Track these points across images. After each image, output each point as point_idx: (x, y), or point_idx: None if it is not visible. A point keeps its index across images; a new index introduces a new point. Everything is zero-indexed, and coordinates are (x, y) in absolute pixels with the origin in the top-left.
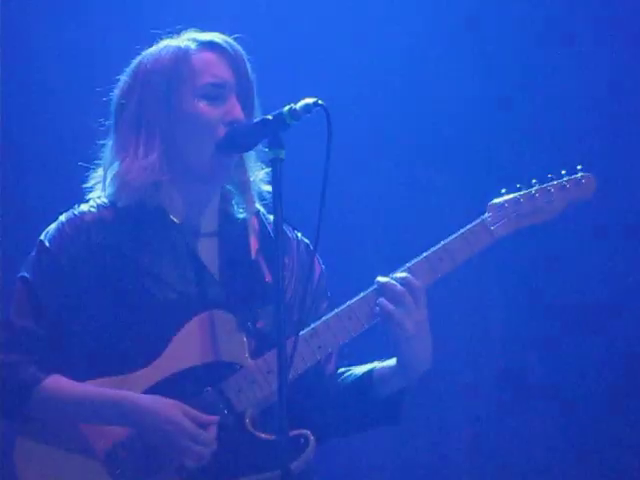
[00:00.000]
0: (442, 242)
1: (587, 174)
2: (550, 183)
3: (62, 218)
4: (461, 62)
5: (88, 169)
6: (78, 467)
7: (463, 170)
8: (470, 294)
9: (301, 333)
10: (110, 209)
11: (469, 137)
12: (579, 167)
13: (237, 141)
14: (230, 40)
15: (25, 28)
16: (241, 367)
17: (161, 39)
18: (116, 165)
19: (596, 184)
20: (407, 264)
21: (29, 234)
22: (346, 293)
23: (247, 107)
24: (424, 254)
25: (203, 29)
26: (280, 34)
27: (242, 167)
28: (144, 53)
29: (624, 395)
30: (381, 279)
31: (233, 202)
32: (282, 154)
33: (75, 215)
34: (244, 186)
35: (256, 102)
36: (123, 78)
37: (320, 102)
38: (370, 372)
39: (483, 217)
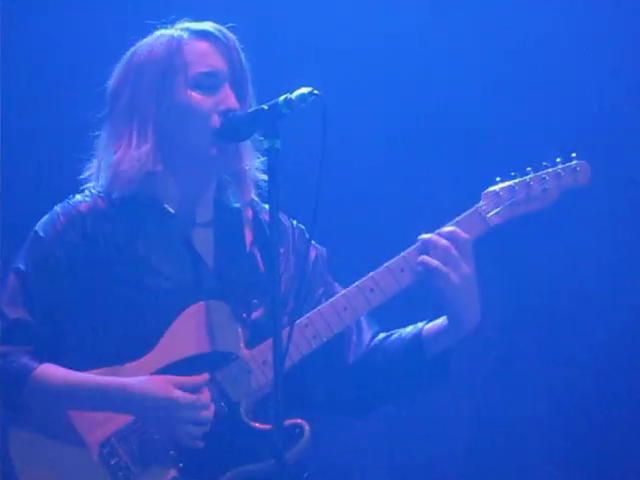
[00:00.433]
0: (436, 230)
1: (582, 162)
2: (545, 171)
3: (56, 208)
4: (454, 50)
5: (84, 160)
6: (73, 458)
7: (458, 159)
8: None
9: (297, 322)
10: (105, 199)
11: (464, 125)
12: (574, 155)
13: (233, 130)
14: (224, 29)
15: (22, 20)
16: (236, 357)
17: (155, 29)
18: (109, 156)
19: (591, 172)
20: (402, 253)
21: (24, 225)
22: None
23: (241, 96)
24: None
25: (198, 19)
26: (276, 23)
27: (238, 156)
28: (138, 44)
29: (621, 387)
30: (425, 235)
31: (228, 192)
32: (278, 143)
33: (69, 205)
34: (240, 175)
35: (251, 91)
36: (117, 69)
37: (316, 92)
38: (419, 333)
39: (477, 205)
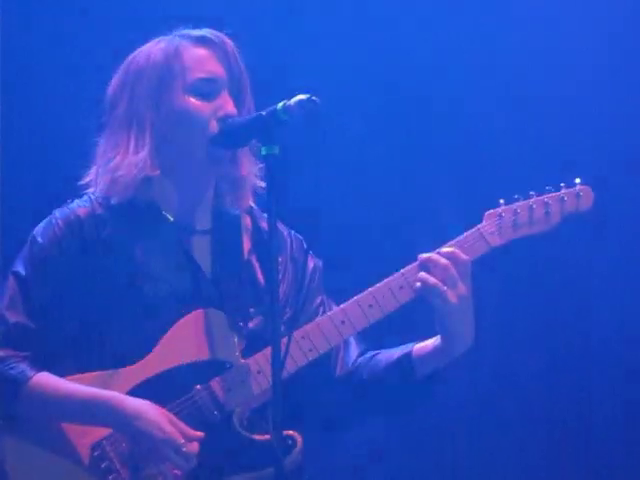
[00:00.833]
0: (437, 250)
1: (585, 187)
2: (548, 194)
3: (55, 213)
4: (461, 59)
5: (84, 166)
6: (63, 461)
7: (461, 174)
8: None
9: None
10: (103, 205)
11: (468, 140)
12: (577, 180)
13: (231, 137)
14: (222, 36)
15: (21, 27)
16: (231, 366)
17: (154, 36)
18: (108, 162)
19: (594, 197)
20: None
21: (24, 229)
22: (339, 292)
23: (240, 103)
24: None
25: (196, 26)
26: (275, 30)
27: (236, 163)
28: (137, 50)
29: (620, 393)
30: (424, 254)
31: (227, 199)
32: (276, 150)
33: (68, 210)
34: (238, 182)
35: (249, 98)
36: (116, 75)
37: (314, 98)
38: (409, 353)
39: (479, 225)
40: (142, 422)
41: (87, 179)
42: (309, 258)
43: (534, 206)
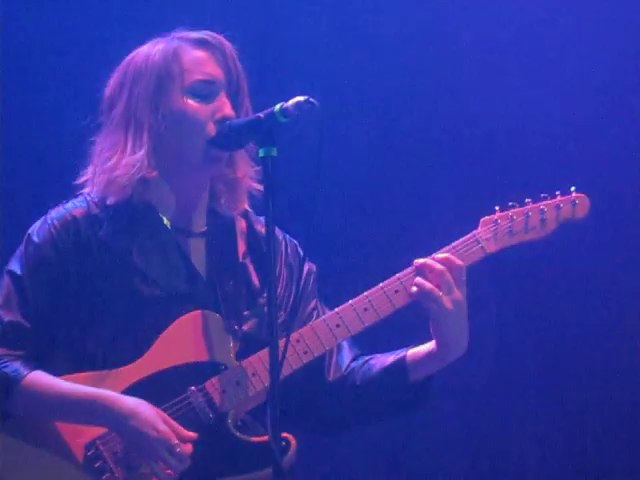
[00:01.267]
0: (432, 255)
1: (581, 195)
2: (544, 202)
3: (51, 213)
4: (458, 61)
5: (80, 165)
6: (57, 460)
7: (457, 185)
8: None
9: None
10: (99, 205)
11: (466, 150)
12: (573, 188)
13: (228, 139)
14: (221, 38)
15: (20, 26)
16: (226, 368)
17: (153, 37)
18: (104, 161)
19: (589, 205)
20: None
21: (20, 229)
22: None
23: (238, 105)
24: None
25: (195, 27)
26: (273, 31)
27: (232, 165)
28: (136, 51)
29: (620, 393)
30: (420, 259)
31: (222, 201)
32: (273, 152)
33: (64, 210)
34: (234, 184)
35: (247, 100)
36: (114, 75)
37: (312, 100)
38: (402, 358)
39: (475, 231)
40: (137, 421)
41: (83, 179)
42: (304, 262)
43: (530, 213)
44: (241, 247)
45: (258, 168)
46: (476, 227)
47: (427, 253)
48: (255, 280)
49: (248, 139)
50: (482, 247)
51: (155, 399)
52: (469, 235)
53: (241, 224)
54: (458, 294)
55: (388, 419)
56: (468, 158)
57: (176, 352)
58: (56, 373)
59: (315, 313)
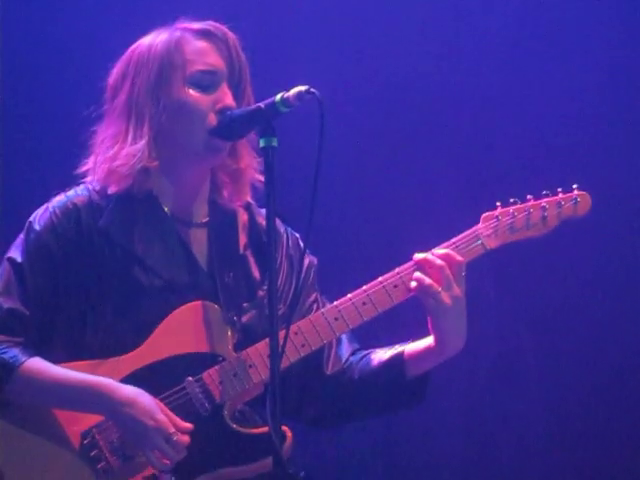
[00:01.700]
0: (432, 250)
1: (583, 192)
2: (545, 199)
3: (52, 201)
4: (458, 55)
5: (82, 155)
6: (53, 448)
7: (459, 181)
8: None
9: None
10: (100, 194)
11: (468, 146)
12: (575, 186)
13: (229, 129)
14: (224, 29)
15: (22, 15)
16: (224, 359)
17: (156, 27)
18: (106, 151)
19: (591, 203)
20: (396, 269)
21: (21, 217)
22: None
23: (240, 95)
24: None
25: (198, 18)
26: (275, 21)
27: (235, 156)
28: (138, 41)
29: (619, 383)
30: (420, 254)
31: (224, 192)
32: (274, 142)
33: (65, 198)
34: (237, 175)
35: (249, 90)
36: (117, 65)
37: (313, 90)
38: (400, 354)
39: (476, 227)
40: (134, 409)
41: (85, 168)
42: (304, 255)
43: (531, 210)
44: (242, 239)
45: (261, 159)
46: (477, 223)
47: (427, 248)
48: (255, 272)
49: (249, 129)
50: (482, 243)
51: (152, 389)
52: (469, 231)
53: (243, 216)
54: (457, 290)
55: (385, 414)
56: (470, 153)
57: (174, 342)
58: (55, 360)
59: (315, 306)
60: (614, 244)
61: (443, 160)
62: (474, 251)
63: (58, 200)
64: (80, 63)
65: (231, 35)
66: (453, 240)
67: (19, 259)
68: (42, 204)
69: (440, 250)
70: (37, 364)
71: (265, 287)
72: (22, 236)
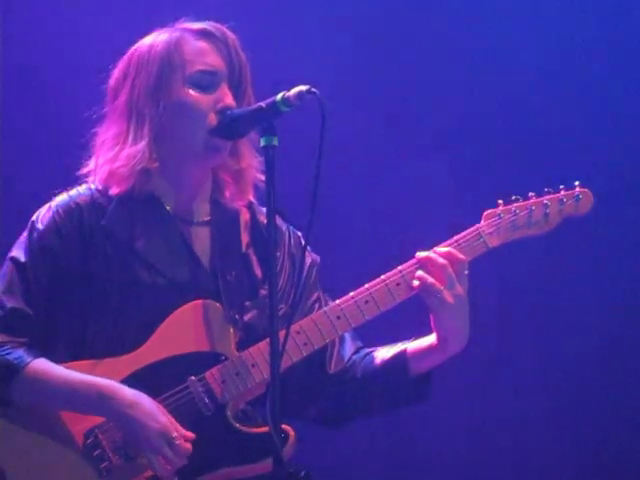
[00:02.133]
0: (434, 248)
1: (585, 190)
2: (547, 196)
3: (55, 200)
4: (462, 53)
5: (84, 156)
6: (57, 448)
7: (461, 178)
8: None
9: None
10: (103, 194)
11: (469, 144)
12: (577, 183)
13: (230, 129)
14: (224, 29)
15: (22, 16)
16: (226, 358)
17: (156, 28)
18: (106, 152)
19: (593, 200)
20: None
21: (24, 217)
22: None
23: (240, 95)
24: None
25: (198, 18)
26: (275, 21)
27: (237, 156)
28: (138, 42)
29: (619, 382)
30: (422, 253)
31: (226, 191)
32: (275, 141)
33: (68, 198)
34: (238, 175)
35: (250, 90)
36: (118, 66)
37: (313, 90)
38: (403, 352)
39: (478, 225)
40: (137, 412)
41: (86, 170)
42: (306, 254)
43: (533, 207)
44: (244, 238)
45: (261, 158)
46: (479, 220)
47: (429, 246)
48: (257, 271)
49: (250, 129)
50: (484, 241)
51: (155, 388)
52: (472, 229)
53: (245, 215)
54: (460, 289)
55: (389, 412)
56: (472, 151)
57: (177, 341)
58: (57, 359)
59: (317, 305)
60: (616, 241)
61: (445, 157)
62: (476, 249)
63: (61, 199)
64: (82, 64)
65: (231, 35)
66: (455, 238)
67: (22, 258)
68: (44, 203)
69: (442, 248)
70: (42, 365)
71: (267, 286)
72: (25, 235)
